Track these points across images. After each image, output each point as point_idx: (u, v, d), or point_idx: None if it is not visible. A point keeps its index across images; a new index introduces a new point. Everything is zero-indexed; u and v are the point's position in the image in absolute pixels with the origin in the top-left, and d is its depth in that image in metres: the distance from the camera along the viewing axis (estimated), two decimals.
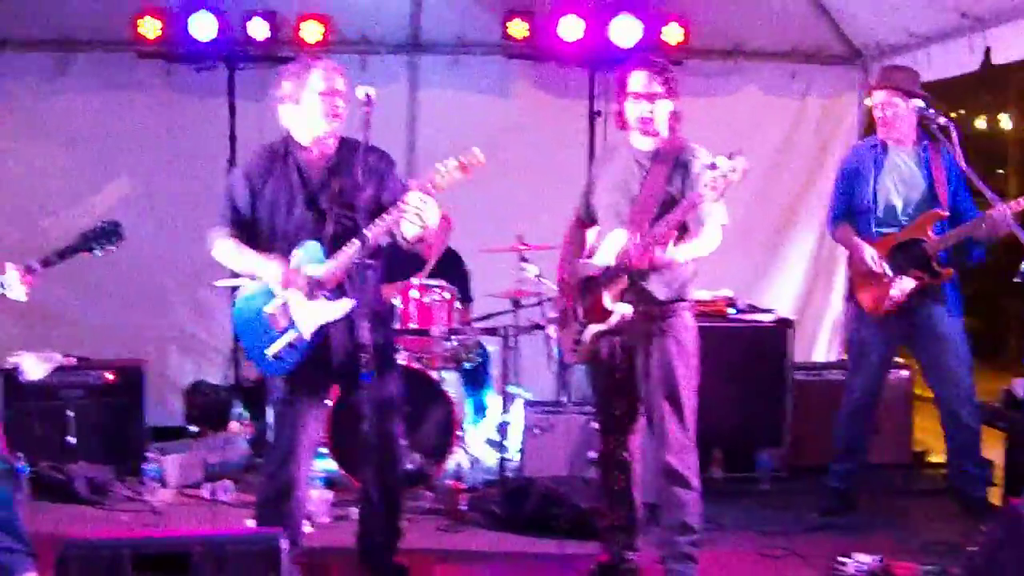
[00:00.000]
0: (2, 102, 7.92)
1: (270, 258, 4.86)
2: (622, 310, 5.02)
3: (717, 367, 6.61)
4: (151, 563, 3.94)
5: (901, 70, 6.45)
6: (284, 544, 4.09)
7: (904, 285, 6.09)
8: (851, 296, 6.49)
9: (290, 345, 4.84)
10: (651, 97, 5.04)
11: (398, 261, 6.61)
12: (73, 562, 3.90)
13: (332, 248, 4.79)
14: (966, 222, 6.04)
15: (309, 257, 4.84)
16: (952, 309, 6.21)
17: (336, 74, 4.88)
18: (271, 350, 4.87)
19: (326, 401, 5.07)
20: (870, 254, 6.16)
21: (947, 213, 6.08)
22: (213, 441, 7.31)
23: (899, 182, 6.22)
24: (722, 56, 8.51)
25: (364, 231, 4.61)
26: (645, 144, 5.14)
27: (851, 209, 6.35)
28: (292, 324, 4.84)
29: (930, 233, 6.08)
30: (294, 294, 4.82)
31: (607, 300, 5.04)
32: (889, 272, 6.12)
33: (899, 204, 6.21)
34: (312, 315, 4.81)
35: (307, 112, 4.86)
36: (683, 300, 5.11)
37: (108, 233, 4.96)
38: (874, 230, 6.23)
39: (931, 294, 6.16)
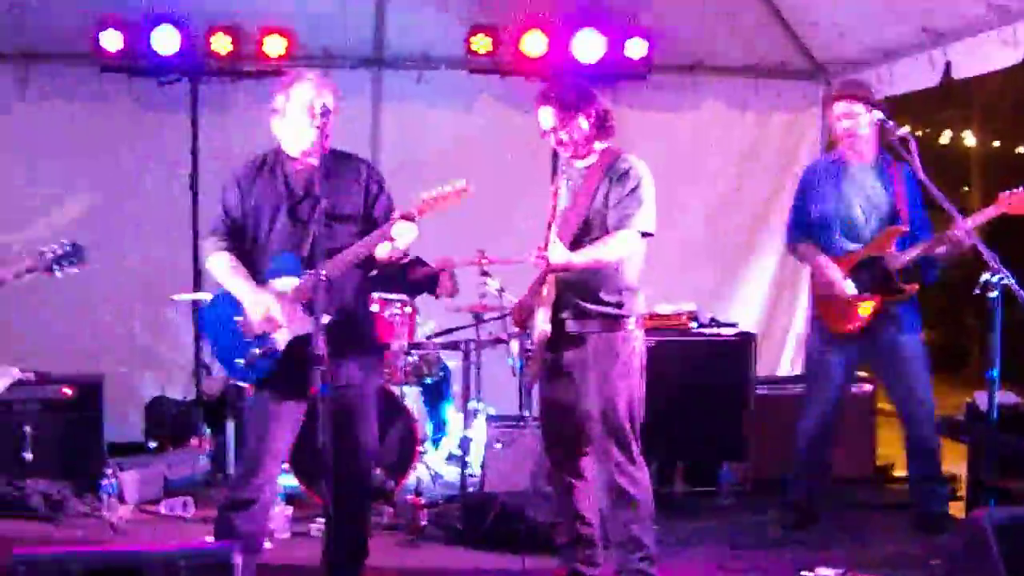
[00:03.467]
0: None
1: (256, 290, 4.83)
2: (539, 327, 5.02)
3: (679, 381, 6.69)
4: None
5: (859, 83, 6.46)
6: (237, 559, 4.03)
7: (867, 306, 6.04)
8: (815, 315, 6.45)
9: (263, 354, 4.80)
10: (547, 134, 5.12)
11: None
12: None
13: (310, 260, 4.74)
14: (924, 239, 6.00)
15: (284, 268, 4.84)
16: (911, 327, 6.19)
17: (324, 88, 4.88)
18: (244, 359, 4.82)
19: (299, 411, 4.95)
20: (838, 276, 6.09)
21: (907, 228, 6.06)
22: (173, 456, 7.25)
23: (860, 197, 6.17)
24: (685, 71, 8.53)
25: (321, 267, 4.53)
26: (579, 163, 5.16)
27: (811, 225, 6.30)
28: (266, 334, 4.81)
29: (892, 249, 6.05)
30: (272, 303, 4.80)
31: (537, 317, 5.05)
32: (854, 291, 6.07)
33: (861, 219, 6.16)
34: (287, 326, 4.80)
35: (294, 125, 4.87)
36: (621, 315, 5.04)
37: (68, 255, 4.88)
38: (841, 246, 6.18)
39: (891, 312, 6.12)
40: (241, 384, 7.16)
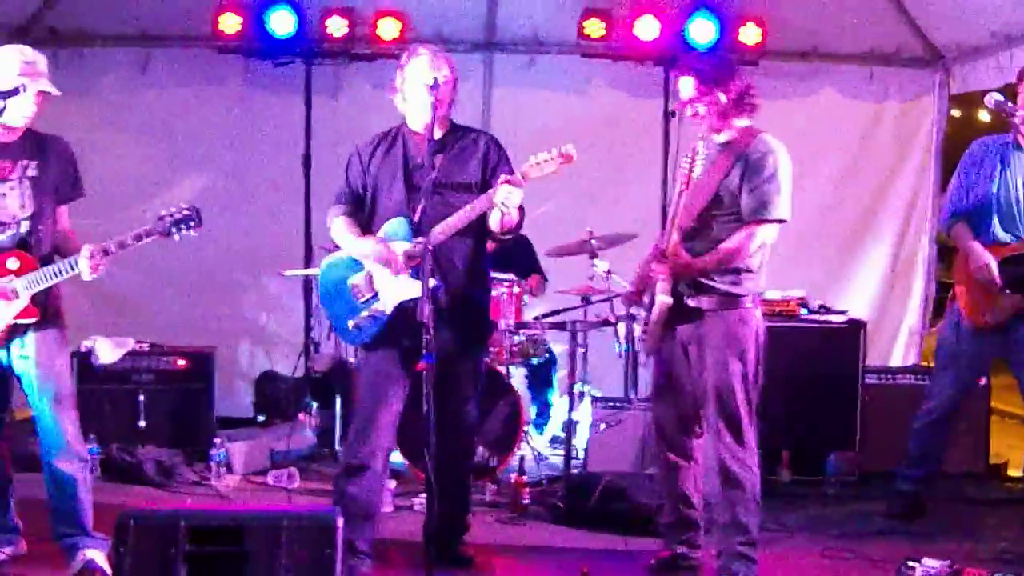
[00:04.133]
0: (87, 96, 8.03)
1: (367, 238, 4.97)
2: (660, 300, 5.00)
3: (787, 368, 6.56)
4: (206, 535, 3.96)
5: None
6: (340, 521, 4.09)
7: (1011, 302, 5.82)
8: (952, 300, 6.19)
9: (371, 317, 4.92)
10: (684, 105, 5.05)
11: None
12: (130, 531, 3.93)
13: (420, 227, 4.79)
14: None
15: (395, 233, 4.93)
16: None
17: (439, 61, 4.95)
18: (352, 321, 4.95)
19: (406, 378, 5.02)
20: (993, 263, 5.80)
21: None
22: (280, 430, 7.37)
23: (1022, 187, 5.88)
24: (799, 57, 8.43)
25: (429, 232, 4.65)
26: (717, 136, 5.09)
27: (970, 206, 6.00)
28: (375, 296, 4.94)
29: None
30: (379, 267, 4.91)
31: (658, 289, 5.02)
32: (998, 284, 5.80)
33: (1019, 210, 5.88)
34: (395, 290, 4.88)
35: (413, 103, 4.97)
36: (738, 294, 4.98)
37: (187, 218, 4.94)
38: (995, 234, 5.90)
39: None
40: (349, 361, 7.30)
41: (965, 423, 6.95)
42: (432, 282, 4.65)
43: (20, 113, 4.83)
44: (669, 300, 4.99)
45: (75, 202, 5.13)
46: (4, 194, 4.86)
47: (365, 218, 5.08)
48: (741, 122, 5.03)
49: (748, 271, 4.99)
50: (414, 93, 4.94)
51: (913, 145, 8.57)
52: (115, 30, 8.09)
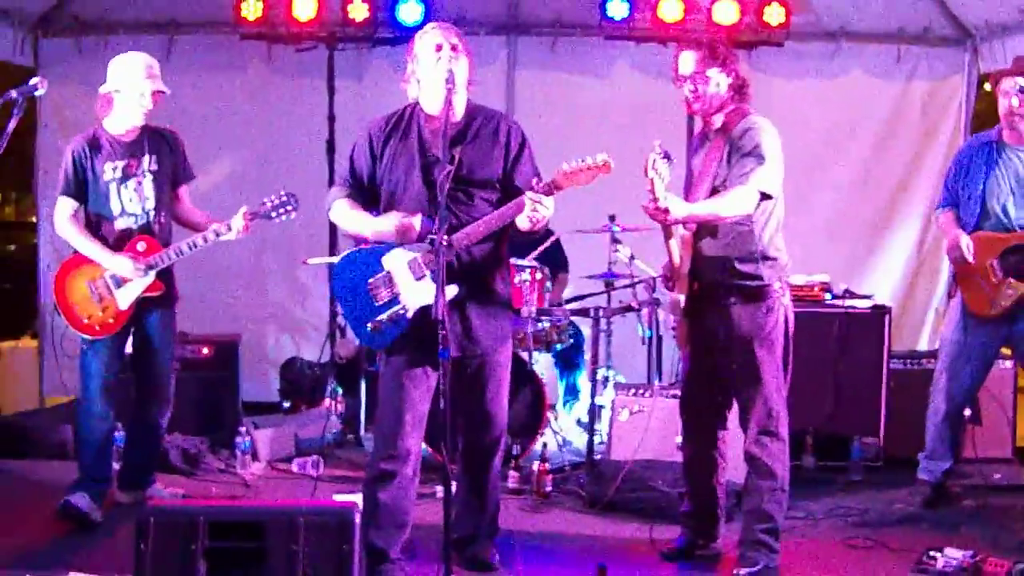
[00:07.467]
0: None
1: (384, 216, 4.73)
2: (674, 295, 5.03)
3: (811, 353, 6.52)
4: (226, 530, 4.00)
5: None
6: (357, 517, 4.10)
7: (1013, 289, 5.83)
8: (954, 293, 6.22)
9: (391, 320, 4.69)
10: (682, 81, 4.96)
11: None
12: (150, 526, 3.96)
13: (440, 226, 4.50)
14: None
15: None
16: None
17: (449, 32, 4.71)
18: (371, 324, 4.71)
19: (433, 379, 4.77)
20: (965, 242, 5.85)
21: None
22: (305, 416, 7.41)
23: (1014, 182, 5.89)
24: (825, 38, 8.34)
25: (451, 236, 4.44)
26: (712, 121, 5.04)
27: (958, 204, 6.10)
28: (396, 299, 4.70)
29: None
30: (400, 269, 4.69)
31: (675, 289, 5.04)
32: (999, 274, 5.85)
33: (1012, 206, 5.89)
34: (416, 292, 4.67)
35: (427, 81, 4.70)
36: (763, 285, 4.92)
37: (284, 203, 5.88)
38: (978, 227, 5.94)
39: None
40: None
41: (990, 406, 6.92)
42: (454, 289, 4.56)
43: (132, 112, 5.76)
44: (681, 298, 5.00)
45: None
46: (135, 189, 5.72)
47: (378, 208, 4.84)
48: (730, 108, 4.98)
49: (767, 259, 4.94)
50: (427, 69, 4.66)
51: (942, 125, 8.48)
52: (138, 18, 8.10)
